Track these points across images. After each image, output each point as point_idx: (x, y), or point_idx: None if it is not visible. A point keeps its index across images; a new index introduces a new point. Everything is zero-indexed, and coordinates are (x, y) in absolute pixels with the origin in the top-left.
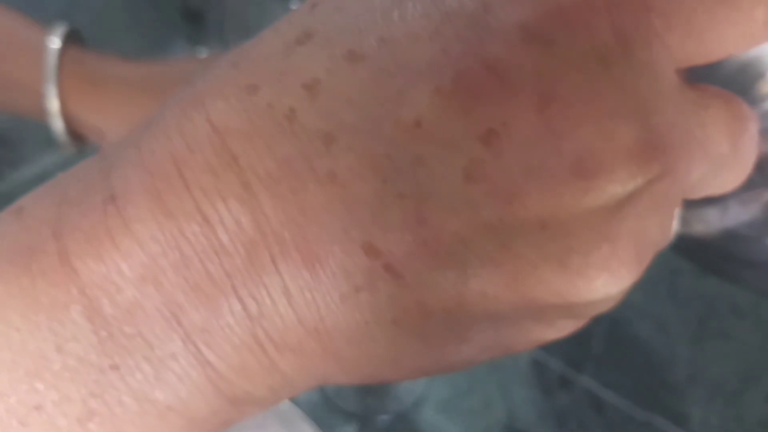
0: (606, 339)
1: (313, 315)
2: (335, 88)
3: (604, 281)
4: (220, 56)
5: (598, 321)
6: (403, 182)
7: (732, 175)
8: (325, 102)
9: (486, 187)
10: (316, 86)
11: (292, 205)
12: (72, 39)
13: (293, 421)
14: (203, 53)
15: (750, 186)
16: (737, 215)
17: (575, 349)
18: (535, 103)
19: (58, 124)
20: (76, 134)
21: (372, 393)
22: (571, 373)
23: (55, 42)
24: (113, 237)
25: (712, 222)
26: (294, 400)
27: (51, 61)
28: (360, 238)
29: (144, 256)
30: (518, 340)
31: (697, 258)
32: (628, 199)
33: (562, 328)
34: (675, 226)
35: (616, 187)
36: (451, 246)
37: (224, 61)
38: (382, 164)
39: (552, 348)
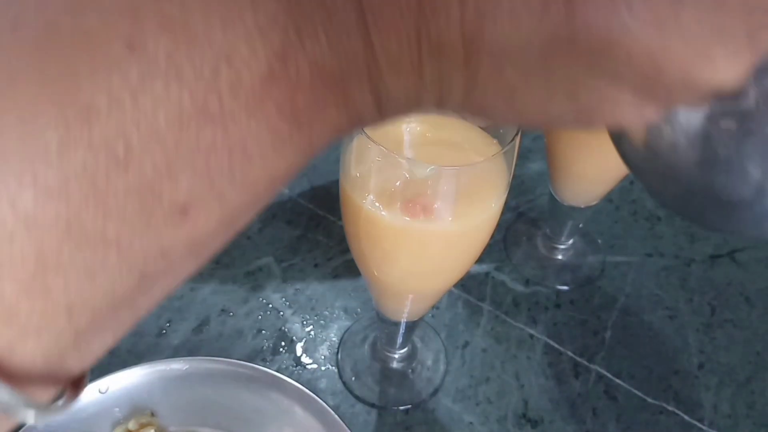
0: (618, 328)
1: (475, 21)
2: None
3: (726, 70)
4: None
5: (610, 310)
6: None
7: None
8: None
9: None
10: None
11: None
12: None
13: (333, 425)
14: None
15: None
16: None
17: (588, 338)
18: None
19: None
20: None
21: (391, 384)
22: (584, 362)
23: None
24: None
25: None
26: (316, 390)
27: None
28: None
29: None
30: (607, 112)
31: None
32: None
33: (646, 113)
34: None
35: None
36: None
37: None
38: None
39: (565, 338)
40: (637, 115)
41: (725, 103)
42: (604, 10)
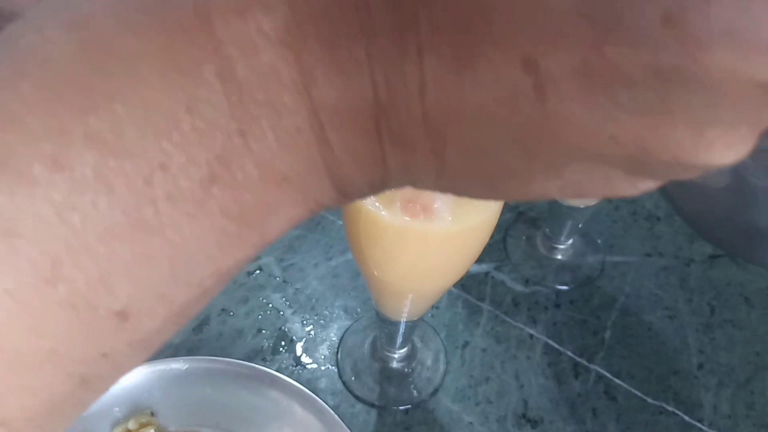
0: (618, 328)
1: (440, 115)
2: None
3: (723, 156)
4: None
5: (610, 310)
6: (596, 5)
7: None
8: None
9: (679, 33)
10: None
11: None
12: None
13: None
14: None
15: None
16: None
17: (588, 338)
18: None
19: None
20: None
21: (391, 383)
22: (583, 362)
23: None
24: None
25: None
26: (316, 390)
27: None
28: (524, 49)
29: (291, 19)
30: (596, 187)
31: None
32: None
33: (640, 187)
34: None
35: None
36: (613, 83)
37: None
38: None
39: (565, 338)
40: (631, 189)
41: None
42: (582, 97)
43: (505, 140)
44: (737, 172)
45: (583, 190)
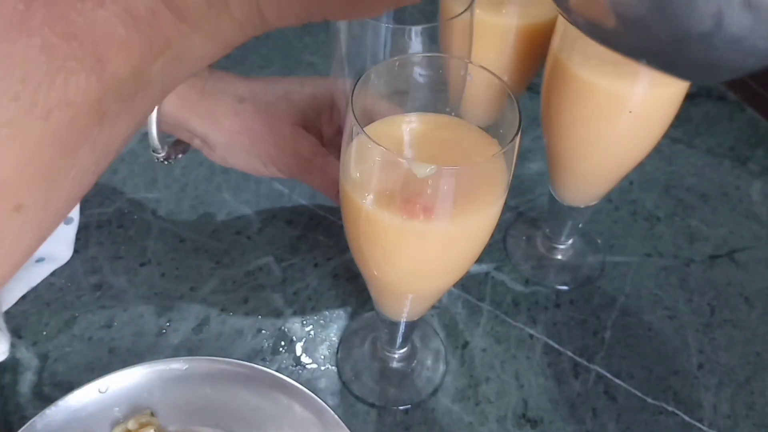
0: (618, 328)
1: None
2: None
3: None
4: None
5: (610, 310)
6: None
7: None
8: None
9: None
10: None
11: None
12: None
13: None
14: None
15: None
16: None
17: (588, 338)
18: None
19: (152, 130)
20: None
21: (391, 383)
22: (583, 362)
23: None
24: None
25: None
26: (316, 390)
27: None
28: None
29: None
30: None
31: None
32: None
33: None
34: None
35: None
36: None
37: None
38: None
39: (565, 338)
40: None
41: None
42: None
43: None
44: None
45: None
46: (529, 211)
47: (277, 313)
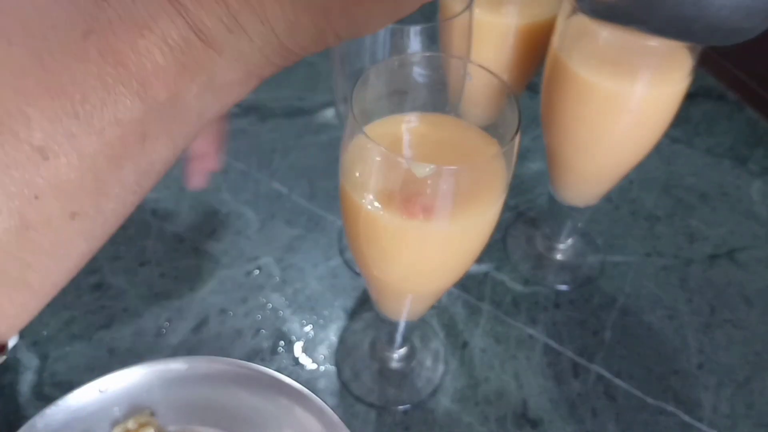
0: (617, 328)
1: None
2: None
3: None
4: None
5: (610, 310)
6: None
7: None
8: None
9: None
10: None
11: None
12: None
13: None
14: None
15: None
16: None
17: (587, 338)
18: None
19: None
20: None
21: (390, 384)
22: (583, 362)
23: None
24: None
25: None
26: (315, 390)
27: None
28: None
29: None
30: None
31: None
32: None
33: None
34: None
35: None
36: None
37: None
38: None
39: (564, 338)
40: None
41: None
42: None
43: None
44: None
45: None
46: (529, 210)
47: (277, 313)
